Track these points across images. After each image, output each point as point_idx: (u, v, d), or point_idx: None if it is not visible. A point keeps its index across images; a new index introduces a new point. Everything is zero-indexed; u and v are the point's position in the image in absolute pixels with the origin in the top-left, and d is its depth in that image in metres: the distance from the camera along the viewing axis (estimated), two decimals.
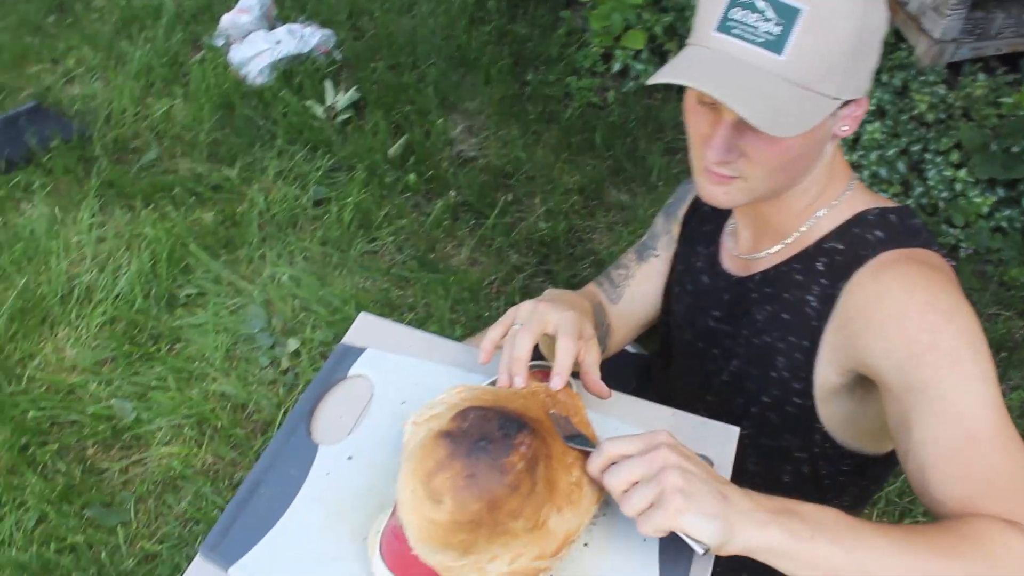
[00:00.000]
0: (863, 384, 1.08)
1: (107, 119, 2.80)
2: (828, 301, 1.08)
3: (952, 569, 0.85)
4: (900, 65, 3.02)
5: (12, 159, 2.60)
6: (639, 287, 1.45)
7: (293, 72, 2.92)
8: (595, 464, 0.92)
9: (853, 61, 0.97)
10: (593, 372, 1.07)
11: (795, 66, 0.94)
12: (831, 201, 1.12)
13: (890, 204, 1.12)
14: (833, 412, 1.16)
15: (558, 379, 1.03)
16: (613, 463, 0.90)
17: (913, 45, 3.07)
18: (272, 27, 3.01)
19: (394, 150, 2.70)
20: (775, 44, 0.95)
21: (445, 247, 2.49)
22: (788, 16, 0.94)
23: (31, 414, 2.02)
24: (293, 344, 2.18)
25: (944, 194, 2.64)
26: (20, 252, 2.37)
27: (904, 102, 2.90)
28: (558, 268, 2.40)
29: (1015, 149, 2.63)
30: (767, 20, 0.95)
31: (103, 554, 1.81)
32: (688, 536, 0.85)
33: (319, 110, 2.79)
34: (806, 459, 1.23)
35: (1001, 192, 2.63)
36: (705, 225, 1.35)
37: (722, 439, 1.14)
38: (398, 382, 1.21)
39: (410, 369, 1.22)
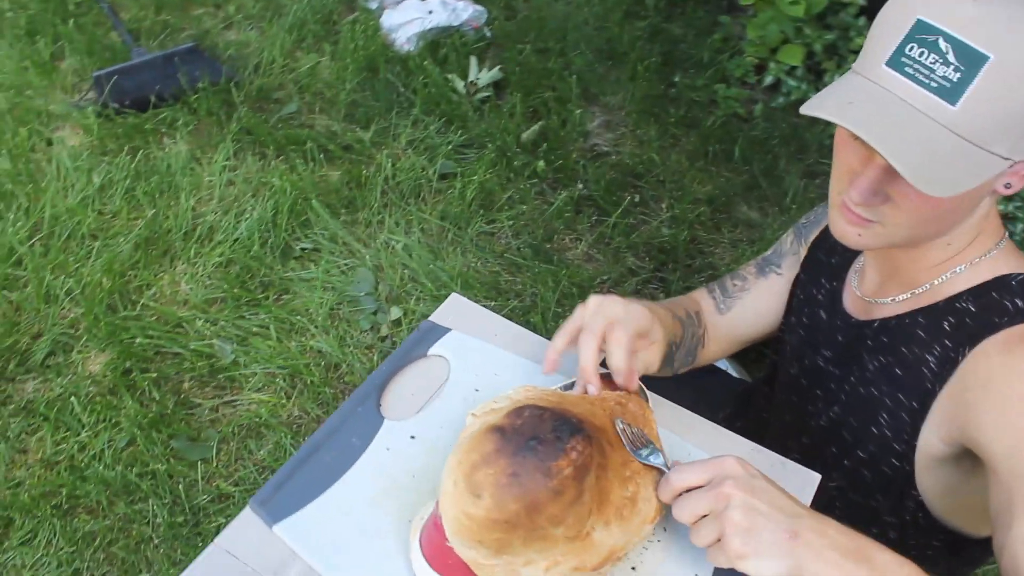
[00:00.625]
0: (970, 457, 0.97)
1: (256, 68, 2.87)
2: (948, 365, 0.98)
3: None
4: None
5: (163, 95, 2.69)
6: (753, 303, 1.36)
7: (440, 44, 2.92)
8: (664, 494, 0.88)
9: None
10: (629, 364, 1.01)
11: (967, 120, 0.84)
12: (973, 258, 1.01)
13: None
14: (933, 482, 1.06)
15: (619, 377, 0.98)
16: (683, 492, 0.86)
17: None
18: None
19: (528, 135, 2.66)
20: (950, 92, 0.83)
21: (563, 239, 2.43)
22: (971, 63, 0.83)
23: (139, 340, 2.09)
24: (396, 312, 2.18)
25: None
26: (155, 185, 2.45)
27: None
28: (673, 277, 2.31)
29: None
30: (946, 64, 0.84)
31: (180, 485, 1.85)
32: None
33: (460, 85, 2.78)
34: (896, 524, 1.14)
35: None
36: (833, 257, 1.25)
37: (800, 484, 1.06)
38: (476, 369, 1.18)
39: (491, 357, 1.19)
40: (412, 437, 1.08)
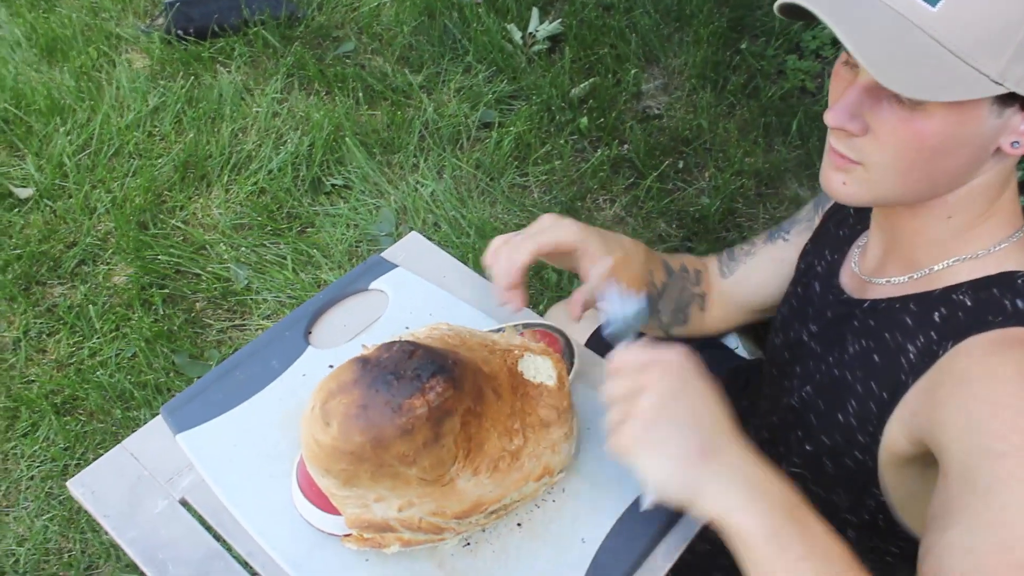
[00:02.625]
0: (935, 463, 0.86)
1: (320, 5, 2.89)
2: (928, 358, 0.89)
3: None
4: None
5: (223, 24, 2.74)
6: (756, 267, 1.29)
7: None
8: (608, 370, 0.83)
9: None
10: (510, 269, 1.01)
11: (948, 23, 0.76)
12: (979, 248, 0.91)
13: None
14: (895, 483, 0.98)
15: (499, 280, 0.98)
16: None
17: None
18: None
19: (577, 91, 2.60)
20: None
21: (596, 199, 2.38)
22: None
23: (161, 257, 2.15)
24: None
25: None
26: (203, 111, 2.51)
27: None
28: (701, 248, 2.23)
29: None
30: None
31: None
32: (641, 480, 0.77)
33: (517, 35, 2.73)
34: (854, 523, 1.06)
35: None
36: (842, 229, 1.17)
37: None
38: (413, 307, 1.16)
39: (431, 297, 1.17)
40: (330, 366, 1.08)
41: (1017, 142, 0.82)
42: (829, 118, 0.85)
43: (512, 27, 2.76)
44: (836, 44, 2.74)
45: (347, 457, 0.83)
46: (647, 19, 2.86)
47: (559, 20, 2.78)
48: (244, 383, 1.06)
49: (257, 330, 2.04)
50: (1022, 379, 0.77)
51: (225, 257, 2.17)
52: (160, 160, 2.39)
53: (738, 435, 0.77)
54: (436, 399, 0.83)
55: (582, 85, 2.61)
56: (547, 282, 2.12)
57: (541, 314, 1.73)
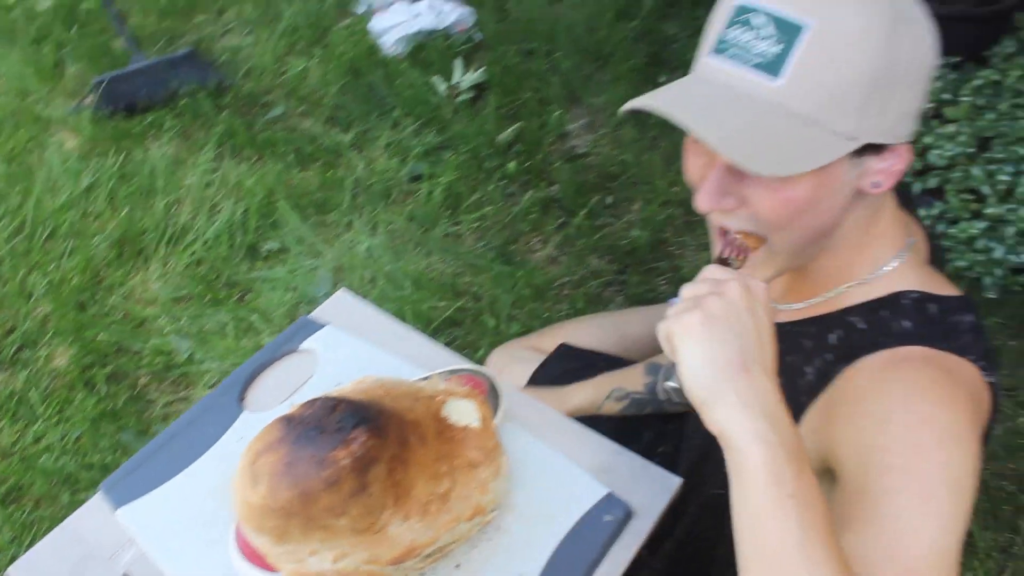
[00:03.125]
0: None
1: (247, 72, 2.94)
2: (823, 379, 0.93)
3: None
4: None
5: (151, 98, 2.77)
6: None
7: (426, 46, 2.94)
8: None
9: (875, 94, 0.80)
10: None
11: (795, 92, 0.79)
12: (866, 274, 0.95)
13: (940, 291, 0.93)
14: None
15: None
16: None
17: None
18: (415, 1, 3.05)
19: (504, 136, 2.66)
20: (772, 66, 0.79)
21: (528, 241, 2.43)
22: (789, 33, 0.79)
23: (101, 336, 2.16)
24: None
25: None
26: (136, 186, 2.53)
27: None
28: (634, 280, 2.29)
29: None
30: (765, 38, 0.80)
31: None
32: (675, 367, 0.78)
33: (442, 87, 2.79)
34: None
35: None
36: None
37: (656, 489, 1.04)
38: (342, 364, 1.20)
39: (360, 352, 1.21)
40: None
41: (877, 182, 0.86)
42: (701, 203, 0.86)
43: (437, 79, 2.82)
44: None
45: (277, 514, 0.86)
46: (567, 61, 2.94)
47: (482, 68, 2.85)
48: (181, 453, 1.08)
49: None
50: (909, 396, 0.81)
51: (166, 330, 2.19)
52: (96, 239, 2.40)
53: (774, 372, 0.78)
54: (359, 449, 0.87)
55: (508, 130, 2.68)
56: (485, 327, 2.16)
57: (481, 360, 1.77)
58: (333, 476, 0.86)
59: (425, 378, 1.14)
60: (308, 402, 0.92)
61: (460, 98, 2.79)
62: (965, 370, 0.86)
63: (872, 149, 0.83)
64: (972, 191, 2.50)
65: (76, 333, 2.16)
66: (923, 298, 0.91)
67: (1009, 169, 2.49)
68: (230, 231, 2.40)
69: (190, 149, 2.67)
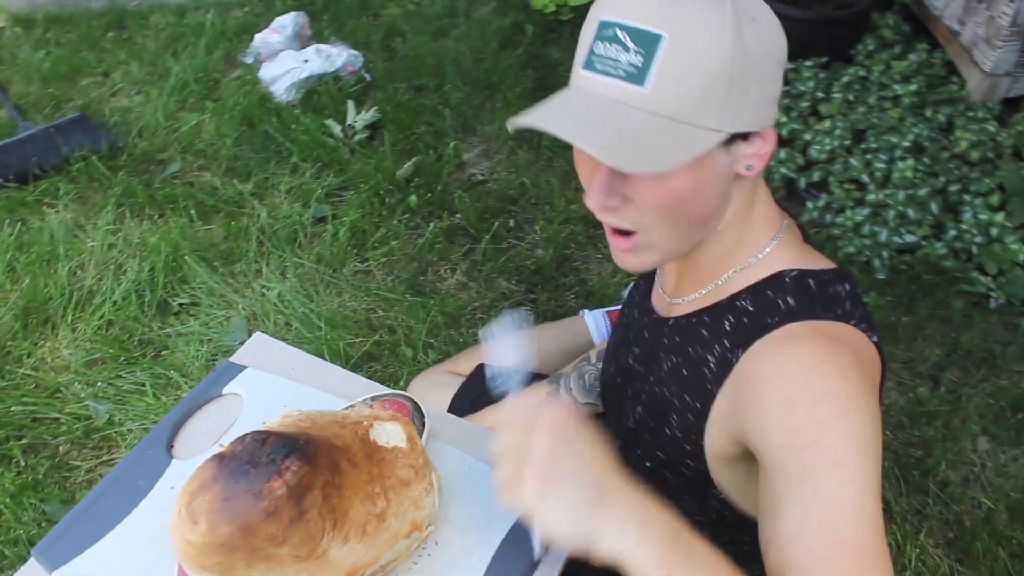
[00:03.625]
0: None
1: (140, 132, 2.93)
2: (725, 366, 1.01)
3: None
4: (948, 100, 2.87)
5: (44, 166, 2.75)
6: None
7: (318, 91, 2.99)
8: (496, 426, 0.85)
9: (733, 88, 0.88)
10: None
11: (660, 97, 0.87)
12: (749, 256, 1.03)
13: (816, 265, 1.02)
14: (729, 480, 1.09)
15: None
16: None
17: (965, 79, 2.90)
18: (304, 46, 3.10)
19: (403, 171, 2.72)
20: (638, 76, 0.87)
21: (437, 270, 2.49)
22: (648, 44, 0.86)
23: (14, 408, 2.13)
24: None
25: (978, 239, 2.48)
26: (35, 255, 2.50)
27: (947, 139, 2.74)
28: (543, 297, 2.37)
29: None
30: (628, 51, 0.87)
31: None
32: (534, 532, 0.81)
33: (337, 129, 2.84)
34: (705, 523, 1.14)
35: None
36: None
37: None
38: (268, 403, 1.23)
39: (285, 391, 1.24)
40: None
41: (750, 165, 0.95)
42: (590, 203, 0.94)
43: (331, 122, 2.87)
44: None
45: (219, 550, 0.89)
46: (457, 93, 3.02)
47: (374, 108, 2.91)
48: (113, 508, 1.09)
49: None
50: (806, 376, 0.89)
51: (82, 395, 2.17)
52: None
53: (622, 476, 0.82)
54: (293, 478, 0.91)
55: (406, 165, 2.74)
56: (403, 358, 2.21)
57: (403, 388, 1.82)
58: (271, 507, 0.90)
59: (349, 407, 1.19)
60: (238, 439, 0.96)
61: (356, 138, 2.84)
62: (849, 334, 0.95)
63: (740, 137, 0.91)
64: (853, 180, 2.67)
65: None
66: (802, 275, 0.99)
67: (884, 157, 2.68)
68: (138, 290, 2.40)
69: (88, 213, 2.65)
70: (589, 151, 0.83)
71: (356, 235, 2.54)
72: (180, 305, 2.40)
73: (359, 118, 2.86)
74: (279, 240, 2.54)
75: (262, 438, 0.95)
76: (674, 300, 1.13)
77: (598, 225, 2.52)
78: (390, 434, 1.04)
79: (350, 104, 2.90)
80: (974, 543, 1.85)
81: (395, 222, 2.58)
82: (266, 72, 3.00)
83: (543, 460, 0.79)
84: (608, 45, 0.88)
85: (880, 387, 0.98)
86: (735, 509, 1.10)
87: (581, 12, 3.26)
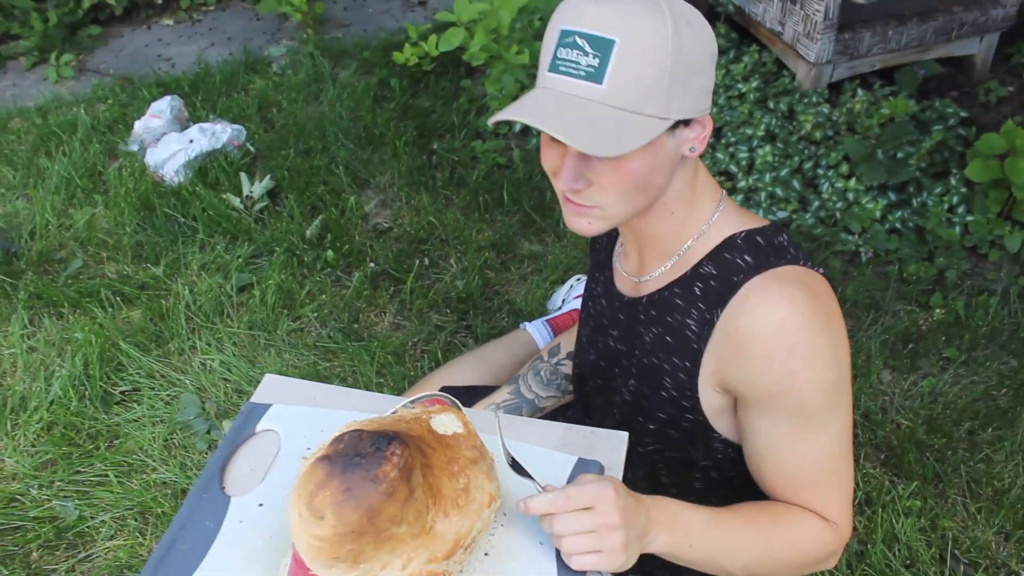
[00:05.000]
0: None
1: (31, 234, 2.89)
2: (706, 326, 1.18)
3: (770, 543, 1.16)
4: (784, 91, 3.22)
5: None
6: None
7: (208, 168, 3.04)
8: (541, 508, 1.04)
9: (675, 82, 1.03)
10: None
11: (616, 92, 1.02)
12: (702, 226, 1.20)
13: (757, 224, 1.20)
14: (726, 424, 1.26)
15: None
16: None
17: (794, 71, 3.27)
18: (184, 128, 3.14)
19: (311, 231, 2.81)
20: (596, 75, 1.02)
21: (368, 316, 2.59)
22: (603, 48, 1.01)
23: None
24: (228, 426, 2.25)
25: (839, 204, 2.81)
26: None
27: (792, 125, 3.08)
28: (477, 323, 2.51)
29: (898, 155, 2.81)
30: (586, 54, 1.02)
31: None
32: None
33: (236, 201, 2.90)
34: (712, 466, 1.33)
35: (892, 196, 2.81)
36: (601, 253, 1.46)
37: (611, 445, 1.25)
38: (304, 431, 1.30)
39: (316, 418, 1.32)
40: (260, 505, 1.19)
41: (692, 147, 1.13)
42: (560, 184, 1.11)
43: (229, 196, 2.92)
44: (508, 122, 3.17)
45: (350, 537, 0.98)
46: (344, 151, 3.14)
47: (268, 176, 2.98)
48: (190, 552, 1.14)
49: (107, 552, 2.03)
50: (779, 330, 1.10)
51: (44, 498, 2.13)
52: None
53: (648, 505, 1.09)
54: (400, 460, 1.01)
55: (313, 225, 2.83)
56: None
57: None
58: (389, 488, 1.00)
59: (393, 412, 1.29)
60: (334, 441, 1.05)
61: (257, 207, 2.91)
62: (803, 273, 1.14)
63: (683, 123, 1.09)
64: (723, 172, 2.96)
65: None
66: (749, 234, 1.19)
67: (744, 148, 2.98)
68: (75, 386, 2.37)
69: None
70: (562, 139, 0.99)
71: (283, 296, 2.60)
72: (122, 393, 2.39)
73: (255, 188, 2.92)
74: (206, 314, 2.57)
75: (357, 434, 1.05)
76: (642, 279, 1.30)
77: (508, 249, 2.71)
78: (447, 423, 1.15)
79: (243, 176, 2.97)
80: (904, 456, 2.12)
81: (317, 278, 2.66)
82: (152, 157, 3.02)
83: (620, 538, 1.03)
84: (569, 50, 1.03)
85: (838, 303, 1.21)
86: (735, 444, 1.28)
87: (442, 61, 3.46)
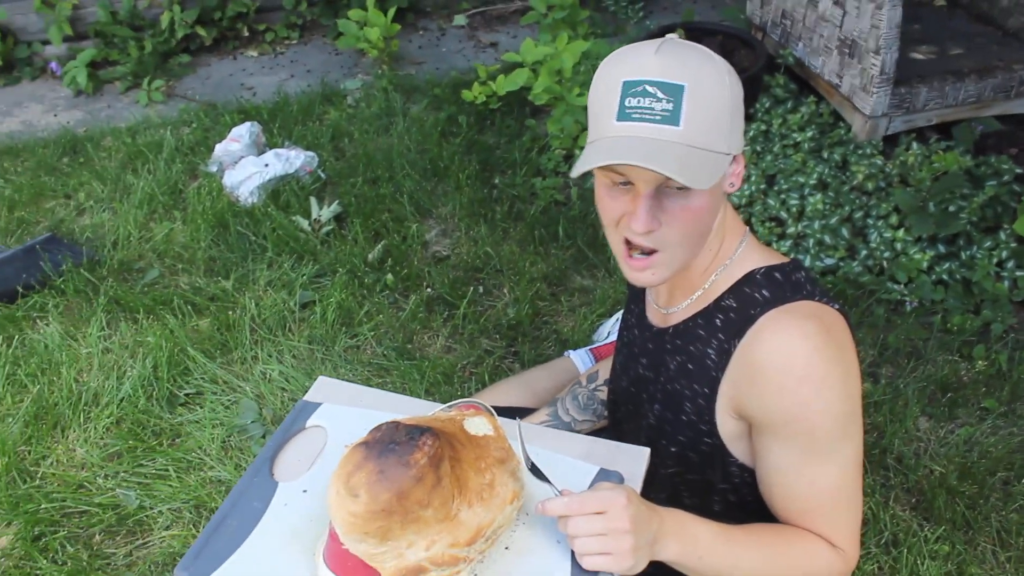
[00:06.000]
0: None
1: (114, 244, 3.09)
2: (724, 355, 1.26)
3: (778, 563, 1.22)
4: (839, 142, 3.28)
5: (29, 284, 2.87)
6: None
7: (280, 191, 3.22)
8: (557, 510, 1.13)
9: (732, 121, 1.13)
10: None
11: (692, 132, 1.09)
12: (726, 260, 1.29)
13: (777, 260, 1.29)
14: (742, 449, 1.34)
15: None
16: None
17: (850, 123, 3.33)
18: (261, 153, 3.33)
19: (374, 255, 2.95)
20: (672, 118, 1.09)
21: (422, 338, 2.71)
22: (675, 93, 1.09)
23: (44, 506, 2.22)
24: None
25: (887, 254, 2.85)
26: (35, 365, 2.61)
27: (845, 175, 3.14)
28: (524, 349, 2.61)
29: (950, 208, 2.85)
30: (659, 100, 1.09)
31: None
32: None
33: (305, 224, 3.06)
34: (730, 489, 1.40)
35: (940, 248, 2.84)
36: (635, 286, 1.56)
37: (633, 459, 1.33)
38: (350, 427, 1.40)
39: (362, 418, 1.42)
40: (304, 491, 1.30)
41: (732, 183, 1.22)
42: (639, 226, 1.15)
43: (298, 218, 3.09)
44: (567, 159, 3.30)
45: (380, 515, 1.08)
46: (409, 181, 3.29)
47: (336, 202, 3.14)
48: (239, 527, 1.26)
49: (163, 541, 2.16)
50: (790, 362, 1.18)
51: (108, 487, 2.28)
52: (7, 420, 2.46)
53: (662, 515, 1.15)
54: (430, 450, 1.11)
55: (376, 250, 2.97)
56: None
57: None
58: (419, 473, 1.10)
59: (431, 415, 1.40)
60: (373, 430, 1.16)
61: (324, 230, 3.07)
62: (817, 308, 1.22)
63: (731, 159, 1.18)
64: (773, 218, 3.03)
65: (14, 509, 2.21)
66: (769, 270, 1.27)
67: (795, 195, 3.05)
68: (143, 386, 2.53)
69: (78, 323, 2.78)
70: (671, 174, 1.06)
71: (342, 314, 2.74)
72: (186, 395, 2.54)
73: (324, 212, 3.08)
74: (270, 327, 2.72)
75: (394, 425, 1.15)
76: (669, 310, 1.39)
77: (560, 282, 2.82)
78: (479, 425, 1.25)
79: (313, 200, 3.13)
80: (935, 502, 2.14)
81: (376, 299, 2.80)
82: (229, 179, 3.21)
83: (631, 541, 1.10)
84: (640, 99, 1.10)
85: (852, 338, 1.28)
86: (751, 470, 1.35)
87: (508, 100, 3.60)
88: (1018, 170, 3.08)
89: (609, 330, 2.54)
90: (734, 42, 3.68)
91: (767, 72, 3.54)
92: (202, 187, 3.27)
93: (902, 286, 2.79)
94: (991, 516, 2.13)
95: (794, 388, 1.16)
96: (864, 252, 2.88)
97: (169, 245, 3.07)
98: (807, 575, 1.23)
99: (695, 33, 3.63)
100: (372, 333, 2.70)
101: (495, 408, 1.90)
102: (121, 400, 2.51)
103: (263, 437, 2.39)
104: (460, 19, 4.39)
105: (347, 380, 2.51)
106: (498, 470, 1.20)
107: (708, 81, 1.11)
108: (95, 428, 2.45)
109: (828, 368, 1.17)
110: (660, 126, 1.10)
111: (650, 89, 1.10)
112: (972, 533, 2.10)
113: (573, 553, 1.16)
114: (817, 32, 3.41)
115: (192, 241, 3.06)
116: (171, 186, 3.31)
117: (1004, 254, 2.81)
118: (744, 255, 1.30)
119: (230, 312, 2.78)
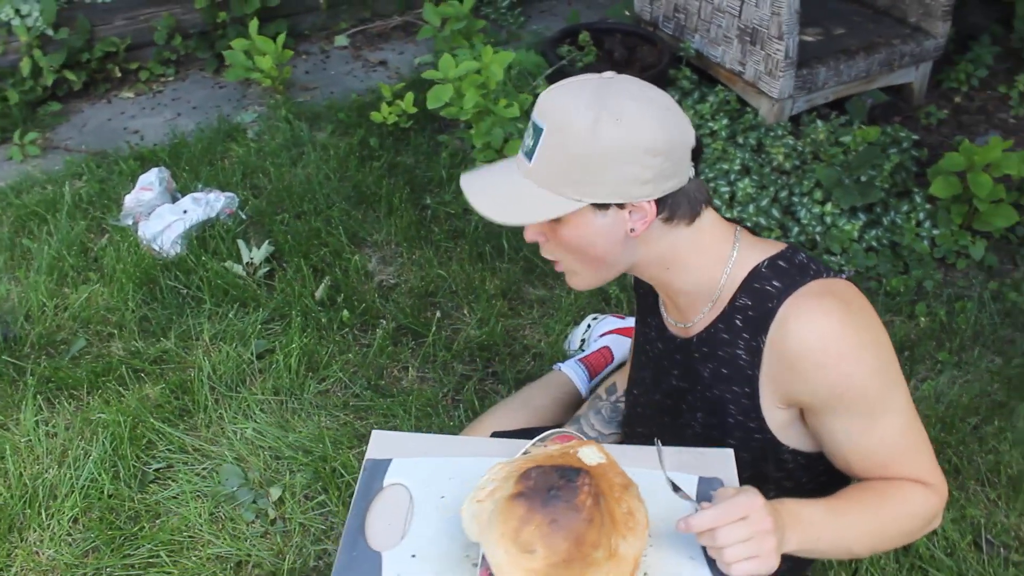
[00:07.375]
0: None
1: (27, 317, 2.81)
2: (755, 353, 1.29)
3: (883, 517, 1.27)
4: (751, 126, 3.39)
5: None
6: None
7: (205, 237, 3.02)
8: (704, 524, 1.11)
9: (588, 170, 1.18)
10: None
11: (537, 171, 1.21)
12: (726, 265, 1.32)
13: (775, 249, 1.32)
14: (793, 436, 1.37)
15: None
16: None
17: (756, 107, 3.45)
18: (175, 199, 3.12)
19: (320, 292, 2.82)
20: (529, 154, 1.22)
21: (392, 371, 2.61)
22: (536, 133, 1.20)
23: None
24: (276, 492, 2.24)
25: (818, 228, 2.97)
26: None
27: (763, 157, 3.25)
28: (502, 368, 2.56)
29: (864, 178, 2.99)
30: (530, 135, 1.22)
31: None
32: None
33: (239, 268, 2.89)
34: (784, 476, 1.43)
35: (863, 216, 2.98)
36: (649, 297, 1.55)
37: (721, 461, 1.35)
38: (432, 480, 1.34)
39: (438, 467, 1.36)
40: (413, 556, 1.23)
41: (633, 228, 1.25)
42: (526, 238, 1.31)
43: (229, 263, 2.91)
44: None
45: (561, 566, 1.03)
46: (337, 211, 3.16)
47: (267, 241, 2.98)
48: None
49: None
50: (824, 342, 1.23)
51: None
52: None
53: (778, 509, 1.16)
54: (591, 489, 1.08)
55: (321, 287, 2.84)
56: None
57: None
58: (588, 515, 1.06)
59: (525, 452, 1.35)
60: (520, 479, 1.11)
61: (259, 272, 2.90)
62: (830, 283, 1.27)
63: (617, 206, 1.23)
64: None
65: None
66: (771, 261, 1.31)
67: (723, 181, 3.13)
68: (106, 468, 2.32)
69: (7, 409, 2.52)
70: (471, 203, 1.23)
71: (306, 359, 2.60)
72: (156, 471, 2.34)
73: (255, 254, 2.92)
74: (228, 384, 2.55)
75: (542, 470, 1.11)
76: (687, 324, 1.42)
77: (516, 296, 2.78)
78: (592, 455, 1.22)
79: (241, 243, 2.96)
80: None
81: (337, 339, 2.67)
82: (146, 230, 2.98)
83: (774, 542, 1.12)
84: (528, 130, 1.24)
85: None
86: (805, 452, 1.40)
87: (416, 118, 3.52)
88: (915, 136, 3.29)
89: (583, 337, 2.53)
90: (634, 39, 3.75)
91: (672, 66, 3.62)
92: (115, 243, 3.02)
93: (838, 257, 2.92)
94: (974, 459, 2.27)
95: (835, 364, 1.22)
96: (796, 229, 3.00)
97: (91, 310, 2.81)
98: (912, 516, 1.29)
99: (596, 34, 3.67)
100: (342, 374, 2.57)
101: (503, 433, 1.87)
102: (83, 488, 2.29)
103: (254, 502, 2.24)
104: (342, 39, 4.26)
105: (328, 427, 2.41)
106: (627, 496, 1.17)
107: (566, 127, 1.18)
108: (59, 523, 2.22)
109: (857, 335, 1.23)
110: (522, 159, 1.24)
111: (531, 124, 1.23)
112: (962, 478, 2.23)
113: (710, 566, 1.16)
114: (715, 23, 3.52)
115: (118, 302, 2.82)
116: (79, 246, 3.03)
117: (920, 215, 2.99)
118: (742, 253, 1.32)
119: (180, 373, 2.59)
